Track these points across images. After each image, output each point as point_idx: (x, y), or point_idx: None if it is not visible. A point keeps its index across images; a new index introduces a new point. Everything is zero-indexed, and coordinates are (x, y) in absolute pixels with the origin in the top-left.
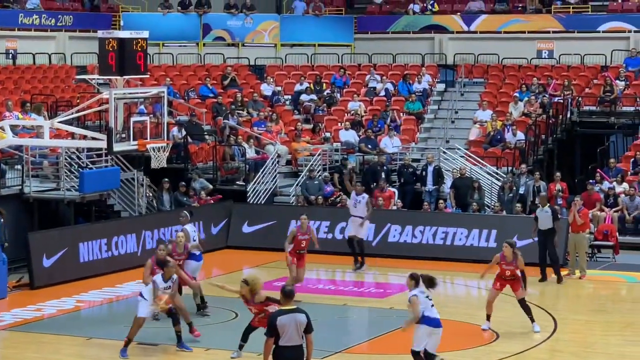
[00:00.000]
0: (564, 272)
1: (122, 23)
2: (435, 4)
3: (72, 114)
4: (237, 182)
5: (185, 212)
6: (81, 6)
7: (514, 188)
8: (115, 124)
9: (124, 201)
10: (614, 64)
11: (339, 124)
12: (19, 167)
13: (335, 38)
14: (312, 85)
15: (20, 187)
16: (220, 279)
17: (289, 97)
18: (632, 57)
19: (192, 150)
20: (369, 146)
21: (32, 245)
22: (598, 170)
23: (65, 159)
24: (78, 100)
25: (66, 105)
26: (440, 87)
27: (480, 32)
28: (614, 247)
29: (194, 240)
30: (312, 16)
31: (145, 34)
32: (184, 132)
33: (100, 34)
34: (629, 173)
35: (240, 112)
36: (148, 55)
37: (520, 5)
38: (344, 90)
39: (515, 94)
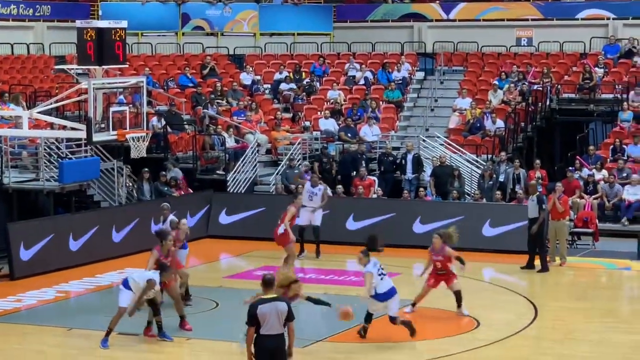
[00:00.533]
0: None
1: (100, 13)
2: None
3: (51, 104)
4: (217, 172)
5: (166, 203)
6: None
7: (494, 176)
8: (94, 114)
9: (103, 191)
10: (592, 51)
11: (319, 112)
12: None
13: (314, 27)
14: (291, 74)
15: None
16: (200, 269)
17: (269, 86)
18: (610, 45)
19: (171, 140)
20: (349, 135)
21: (11, 236)
22: (577, 157)
23: (45, 149)
24: (57, 91)
25: (45, 96)
26: (420, 75)
27: (459, 20)
28: (594, 234)
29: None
30: (291, 5)
31: (124, 24)
32: (163, 122)
33: (78, 23)
34: (608, 160)
35: (220, 101)
36: (127, 45)
37: None
38: (324, 79)
39: (495, 82)
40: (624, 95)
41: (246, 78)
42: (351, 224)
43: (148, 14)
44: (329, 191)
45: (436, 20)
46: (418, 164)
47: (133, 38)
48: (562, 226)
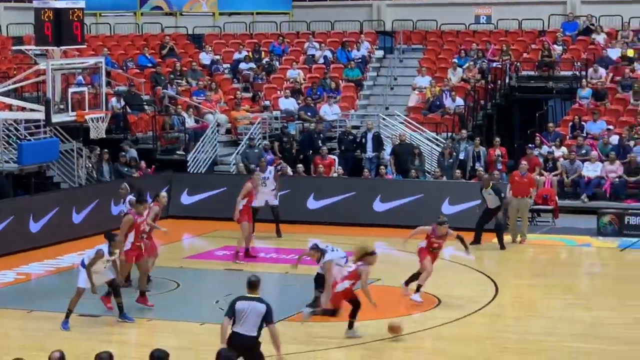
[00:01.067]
0: (506, 237)
1: None
2: None
3: (9, 85)
4: (177, 152)
5: (125, 184)
6: None
7: (454, 154)
8: (53, 95)
9: (63, 173)
10: (551, 28)
11: (279, 92)
12: None
13: (273, 6)
14: (250, 53)
15: None
16: (162, 250)
17: (228, 65)
18: (569, 22)
19: (131, 121)
20: (309, 114)
21: None
22: (537, 134)
23: (3, 130)
24: (15, 72)
25: (3, 77)
26: (379, 53)
27: None
28: (554, 211)
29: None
30: None
31: (81, 4)
32: (122, 102)
33: (35, 4)
34: (568, 137)
35: (179, 81)
36: (85, 25)
37: None
38: (283, 58)
39: (454, 60)
40: (583, 73)
41: (205, 58)
42: (312, 203)
43: None
44: (289, 170)
45: None
46: (378, 142)
47: (91, 18)
48: (526, 203)
